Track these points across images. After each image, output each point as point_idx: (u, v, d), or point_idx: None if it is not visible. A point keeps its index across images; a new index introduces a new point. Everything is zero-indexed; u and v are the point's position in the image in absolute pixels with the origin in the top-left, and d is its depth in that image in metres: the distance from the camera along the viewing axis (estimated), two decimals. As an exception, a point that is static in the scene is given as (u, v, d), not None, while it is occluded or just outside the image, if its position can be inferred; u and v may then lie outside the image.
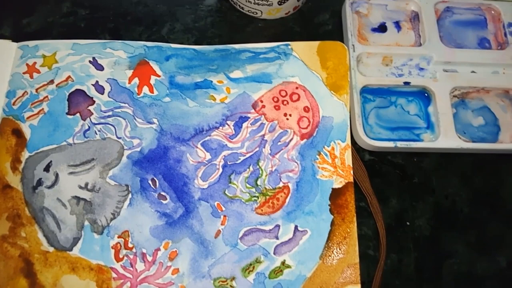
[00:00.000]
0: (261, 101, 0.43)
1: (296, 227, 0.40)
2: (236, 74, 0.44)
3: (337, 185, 0.41)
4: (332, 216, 0.40)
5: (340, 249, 0.39)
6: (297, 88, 0.44)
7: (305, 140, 0.42)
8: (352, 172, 0.41)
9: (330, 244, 0.39)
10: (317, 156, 0.41)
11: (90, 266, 0.38)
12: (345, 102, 0.43)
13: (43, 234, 0.39)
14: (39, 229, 0.39)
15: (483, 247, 0.42)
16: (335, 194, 0.40)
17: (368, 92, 0.46)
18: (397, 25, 0.49)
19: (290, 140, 0.42)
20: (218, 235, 0.39)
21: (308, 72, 0.44)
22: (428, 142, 0.44)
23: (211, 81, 0.44)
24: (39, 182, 0.41)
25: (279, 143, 0.42)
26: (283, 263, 0.39)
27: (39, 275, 0.38)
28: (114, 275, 0.38)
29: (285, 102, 0.43)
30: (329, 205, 0.40)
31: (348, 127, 0.42)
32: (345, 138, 0.42)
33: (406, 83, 0.46)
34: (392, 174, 0.44)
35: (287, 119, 0.43)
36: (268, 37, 0.49)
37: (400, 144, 0.43)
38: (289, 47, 0.45)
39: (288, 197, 0.41)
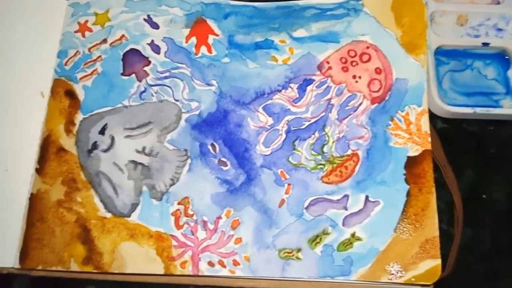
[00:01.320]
0: (328, 62, 0.40)
1: (367, 197, 0.37)
2: (300, 33, 0.41)
3: (413, 153, 0.38)
4: (408, 186, 0.37)
5: (417, 222, 0.36)
6: (368, 47, 0.40)
7: (376, 104, 0.39)
8: (429, 139, 0.38)
9: (406, 216, 0.36)
10: (390, 122, 0.38)
11: (150, 233, 0.37)
12: (422, 62, 0.39)
13: (99, 199, 0.38)
14: (96, 194, 0.38)
15: None
16: (411, 163, 0.37)
17: (441, 54, 0.43)
18: (473, -19, 0.45)
19: (360, 105, 0.39)
20: (282, 204, 0.37)
21: (380, 30, 0.41)
22: (508, 109, 0.41)
23: (273, 41, 0.41)
24: (95, 146, 0.39)
25: (347, 108, 0.39)
26: (353, 235, 0.36)
27: (96, 241, 0.37)
28: (174, 243, 0.36)
29: (354, 63, 0.40)
30: (404, 174, 0.37)
31: (425, 90, 0.39)
32: (421, 102, 0.39)
33: (485, 44, 0.42)
34: (467, 143, 0.41)
35: (356, 81, 0.40)
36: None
37: (480, 110, 0.40)
38: (360, 2, 0.41)
39: (358, 166, 0.38)
